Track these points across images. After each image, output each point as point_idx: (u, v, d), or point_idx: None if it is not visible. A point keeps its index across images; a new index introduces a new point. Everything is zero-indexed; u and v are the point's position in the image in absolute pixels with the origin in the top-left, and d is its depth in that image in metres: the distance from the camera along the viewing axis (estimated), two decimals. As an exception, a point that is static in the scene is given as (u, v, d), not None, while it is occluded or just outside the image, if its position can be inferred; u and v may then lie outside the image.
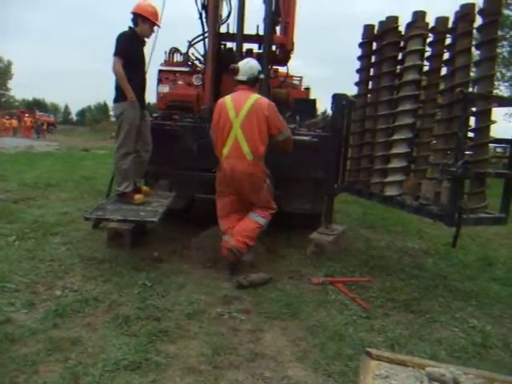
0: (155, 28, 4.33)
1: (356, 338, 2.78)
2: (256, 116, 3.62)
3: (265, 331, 2.83)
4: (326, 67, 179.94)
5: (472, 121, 3.40)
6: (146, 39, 4.32)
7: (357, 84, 4.57)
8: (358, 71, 4.54)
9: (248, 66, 3.81)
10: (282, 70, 6.66)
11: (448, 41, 3.69)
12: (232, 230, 3.82)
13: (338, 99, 4.44)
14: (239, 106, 3.64)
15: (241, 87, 3.82)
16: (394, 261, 4.59)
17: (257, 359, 2.49)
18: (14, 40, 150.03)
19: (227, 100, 3.75)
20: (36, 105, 67.40)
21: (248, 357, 2.50)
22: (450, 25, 3.63)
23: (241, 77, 3.80)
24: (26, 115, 39.64)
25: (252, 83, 3.83)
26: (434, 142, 3.79)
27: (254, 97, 3.71)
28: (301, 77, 8.66)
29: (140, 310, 2.98)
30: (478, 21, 3.41)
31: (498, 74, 17.35)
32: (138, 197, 4.29)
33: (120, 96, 4.10)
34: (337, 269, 4.07)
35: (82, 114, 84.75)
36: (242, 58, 4.73)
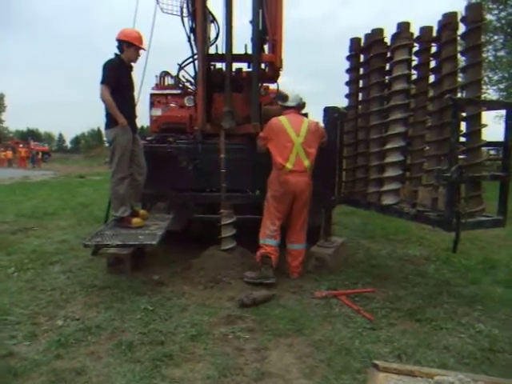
0: (141, 52, 4.40)
1: (363, 350, 2.76)
2: (311, 135, 4.16)
3: (270, 349, 2.80)
4: (315, 82, 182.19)
5: (463, 125, 3.43)
6: (132, 64, 4.38)
7: (347, 96, 4.64)
8: (347, 84, 4.61)
9: (295, 94, 4.32)
10: (272, 87, 6.73)
11: (433, 49, 3.76)
12: (276, 236, 4.15)
13: (329, 112, 4.50)
14: (298, 127, 4.12)
15: (289, 111, 4.28)
16: (396, 269, 4.58)
17: (264, 378, 2.45)
18: (4, 73, 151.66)
19: (284, 121, 4.15)
20: (30, 135, 67.57)
21: (254, 376, 2.46)
22: (434, 34, 3.71)
23: (290, 103, 4.29)
24: (21, 145, 39.81)
25: (300, 108, 4.39)
26: (427, 148, 3.82)
27: (307, 120, 4.30)
28: None
29: (143, 334, 2.94)
30: (462, 28, 3.49)
31: (486, 79, 17.54)
32: (135, 221, 4.29)
33: (111, 122, 4.13)
34: (339, 281, 4.05)
35: (76, 141, 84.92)
36: (232, 77, 4.81)
